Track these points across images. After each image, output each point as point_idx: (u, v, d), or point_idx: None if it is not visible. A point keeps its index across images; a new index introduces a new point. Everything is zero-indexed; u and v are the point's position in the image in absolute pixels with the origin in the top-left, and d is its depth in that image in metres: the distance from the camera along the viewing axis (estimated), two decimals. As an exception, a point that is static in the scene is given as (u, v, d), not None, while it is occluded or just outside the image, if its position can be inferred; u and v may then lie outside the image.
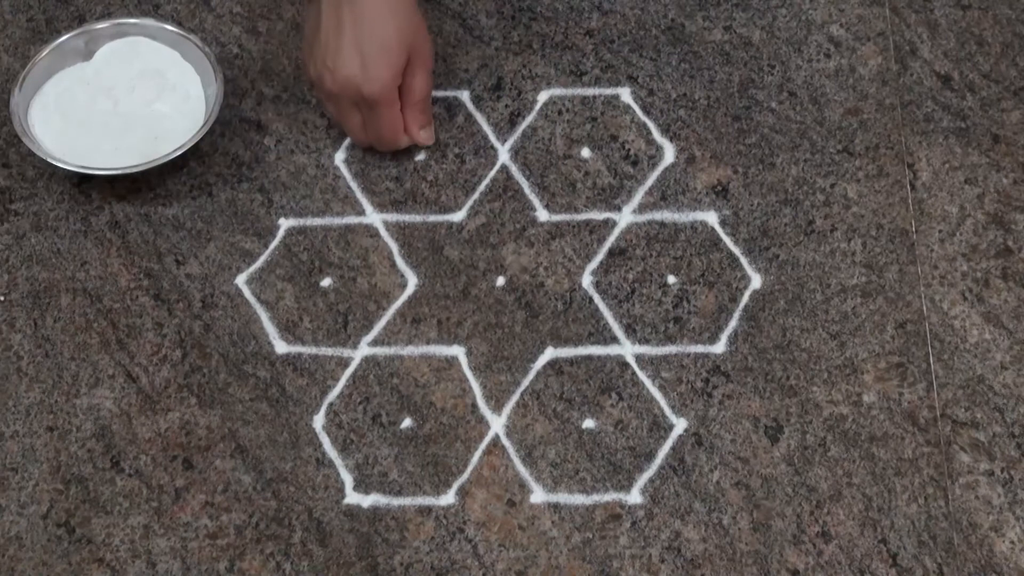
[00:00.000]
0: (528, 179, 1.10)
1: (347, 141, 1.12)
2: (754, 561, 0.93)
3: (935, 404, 0.99)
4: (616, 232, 1.07)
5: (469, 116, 1.14)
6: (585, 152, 1.11)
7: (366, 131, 1.09)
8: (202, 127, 1.09)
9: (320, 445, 0.98)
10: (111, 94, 1.11)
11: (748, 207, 1.08)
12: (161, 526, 0.95)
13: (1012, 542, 0.94)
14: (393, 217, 1.09)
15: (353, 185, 1.10)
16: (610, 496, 0.96)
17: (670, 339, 1.02)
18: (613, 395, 1.00)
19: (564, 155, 1.11)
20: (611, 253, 1.06)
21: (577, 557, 0.94)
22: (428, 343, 1.03)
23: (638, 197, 1.09)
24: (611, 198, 1.09)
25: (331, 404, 1.00)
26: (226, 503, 0.96)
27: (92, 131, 1.10)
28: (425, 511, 0.96)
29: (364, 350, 1.02)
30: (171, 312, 1.04)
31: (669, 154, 1.11)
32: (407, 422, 0.99)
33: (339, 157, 1.12)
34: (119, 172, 1.08)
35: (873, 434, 0.98)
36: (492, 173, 1.11)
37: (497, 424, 0.99)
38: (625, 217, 1.08)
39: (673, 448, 0.98)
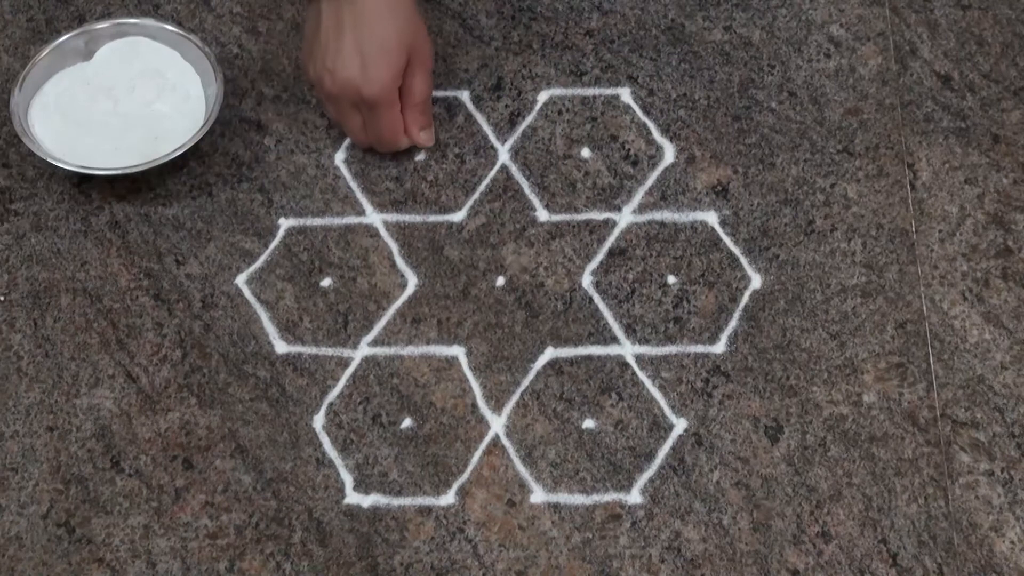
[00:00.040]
0: (528, 179, 1.10)
1: (347, 141, 1.12)
2: (754, 561, 0.93)
3: (935, 404, 0.99)
4: (616, 232, 1.07)
5: (469, 116, 1.14)
6: (585, 152, 1.11)
7: (366, 132, 1.09)
8: (202, 127, 1.09)
9: (320, 445, 0.98)
10: (111, 94, 1.11)
11: (748, 207, 1.08)
12: (161, 526, 0.95)
13: (1012, 542, 0.94)
14: (393, 217, 1.09)
15: (353, 185, 1.10)
16: (610, 496, 0.96)
17: (670, 339, 1.02)
18: (613, 395, 1.00)
19: (564, 155, 1.11)
20: (611, 253, 1.06)
21: (577, 557, 0.94)
22: (428, 343, 1.03)
23: (638, 197, 1.09)
24: (611, 198, 1.09)
25: (331, 404, 1.00)
26: (226, 503, 0.96)
27: (92, 131, 1.10)
28: (425, 511, 0.96)
29: (364, 350, 1.02)
30: (171, 312, 1.04)
31: (669, 154, 1.11)
32: (407, 422, 0.99)
33: (339, 157, 1.12)
34: (119, 172, 1.08)
35: (873, 434, 0.98)
36: (492, 173, 1.11)
37: (497, 424, 0.99)
38: (625, 217, 1.08)
39: (673, 448, 0.98)
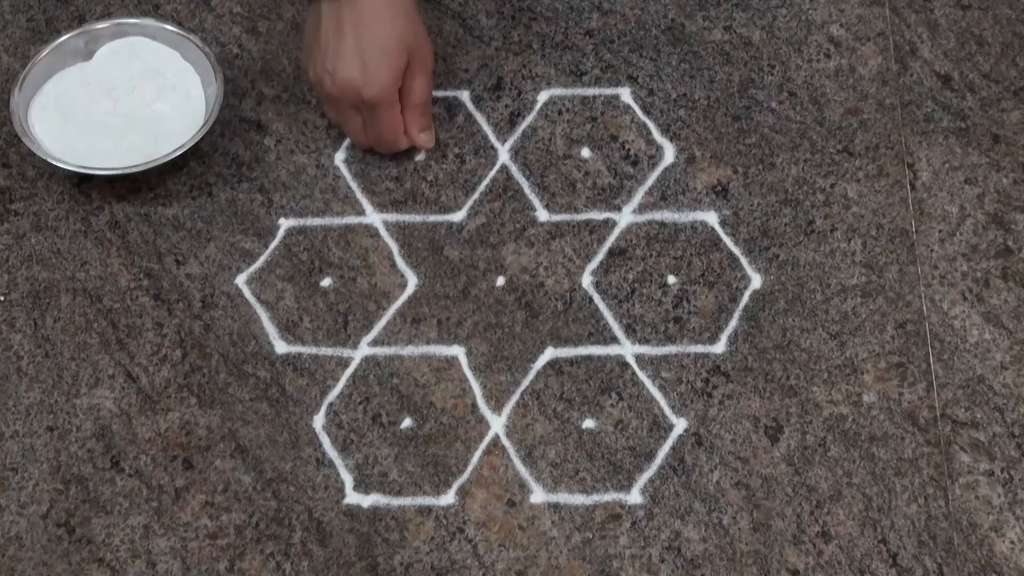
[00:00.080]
0: (528, 179, 1.10)
1: (347, 141, 1.12)
2: (754, 561, 0.93)
3: (935, 404, 0.99)
4: (616, 232, 1.07)
5: (469, 116, 1.14)
6: (585, 152, 1.11)
7: (366, 133, 1.09)
8: (202, 127, 1.09)
9: (320, 445, 0.98)
10: (111, 94, 1.11)
11: (748, 207, 1.08)
12: (161, 526, 0.95)
13: (1012, 542, 0.94)
14: (393, 217, 1.09)
15: (353, 185, 1.10)
16: (610, 496, 0.96)
17: (670, 339, 1.02)
18: (613, 395, 1.00)
19: (564, 155, 1.11)
20: (611, 253, 1.06)
21: (577, 557, 0.94)
22: (428, 343, 1.03)
23: (638, 197, 1.09)
24: (611, 198, 1.09)
25: (331, 404, 1.00)
26: (226, 503, 0.96)
27: (92, 131, 1.10)
28: (425, 511, 0.96)
29: (364, 350, 1.02)
30: (171, 312, 1.04)
31: (669, 154, 1.11)
32: (407, 422, 0.99)
33: (339, 157, 1.12)
34: (119, 172, 1.08)
35: (873, 434, 0.98)
36: (492, 173, 1.11)
37: (497, 424, 0.99)
38: (625, 217, 1.08)
39: (673, 448, 0.98)
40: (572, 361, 1.02)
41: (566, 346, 1.02)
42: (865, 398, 0.99)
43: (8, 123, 1.10)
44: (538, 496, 0.96)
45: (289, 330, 1.03)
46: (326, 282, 1.06)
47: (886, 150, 1.11)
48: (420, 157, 1.12)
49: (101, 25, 1.14)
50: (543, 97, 1.15)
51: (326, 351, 1.02)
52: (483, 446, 0.98)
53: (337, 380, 1.01)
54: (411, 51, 1.05)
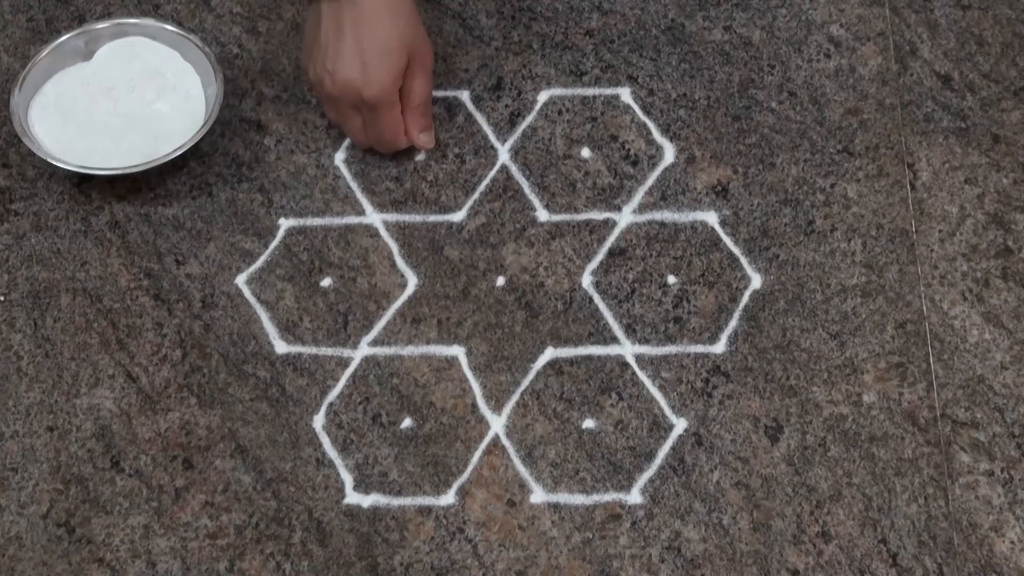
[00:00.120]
0: (528, 179, 1.10)
1: (347, 141, 1.12)
2: (754, 561, 0.93)
3: (935, 404, 0.99)
4: (616, 232, 1.07)
5: (469, 116, 1.14)
6: (585, 152, 1.11)
7: (366, 133, 1.09)
8: (202, 127, 1.09)
9: (320, 445, 0.98)
10: (111, 94, 1.11)
11: (748, 207, 1.08)
12: (161, 526, 0.95)
13: (1012, 542, 0.94)
14: (393, 217, 1.09)
15: (353, 185, 1.10)
16: (610, 496, 0.96)
17: (670, 339, 1.02)
18: (613, 395, 1.00)
19: (564, 155, 1.11)
20: (611, 253, 1.06)
21: (577, 557, 0.94)
22: (428, 343, 1.03)
23: (638, 197, 1.09)
24: (611, 198, 1.09)
25: (331, 404, 1.00)
26: (226, 503, 0.96)
27: (92, 131, 1.10)
28: (425, 511, 0.96)
29: (364, 350, 1.02)
30: (171, 312, 1.04)
31: (669, 154, 1.11)
32: (407, 422, 0.99)
33: (339, 157, 1.12)
34: (119, 172, 1.08)
35: (873, 434, 0.98)
36: (492, 173, 1.11)
37: (497, 424, 0.99)
38: (625, 217, 1.08)
39: (673, 448, 0.98)
40: (572, 361, 1.02)
41: (566, 346, 1.02)
42: (865, 398, 0.99)
43: (8, 123, 1.10)
44: (538, 496, 0.96)
45: (289, 330, 1.03)
46: (326, 282, 1.06)
47: (886, 150, 1.11)
48: (420, 157, 1.12)
49: (101, 25, 1.14)
50: (543, 97, 1.15)
51: (326, 351, 1.02)
52: (483, 446, 0.98)
53: (337, 380, 1.01)
54: (411, 51, 1.05)
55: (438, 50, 1.15)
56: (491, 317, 1.04)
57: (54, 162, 1.07)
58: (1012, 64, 1.15)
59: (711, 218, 1.08)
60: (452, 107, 1.14)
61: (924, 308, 1.03)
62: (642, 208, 1.08)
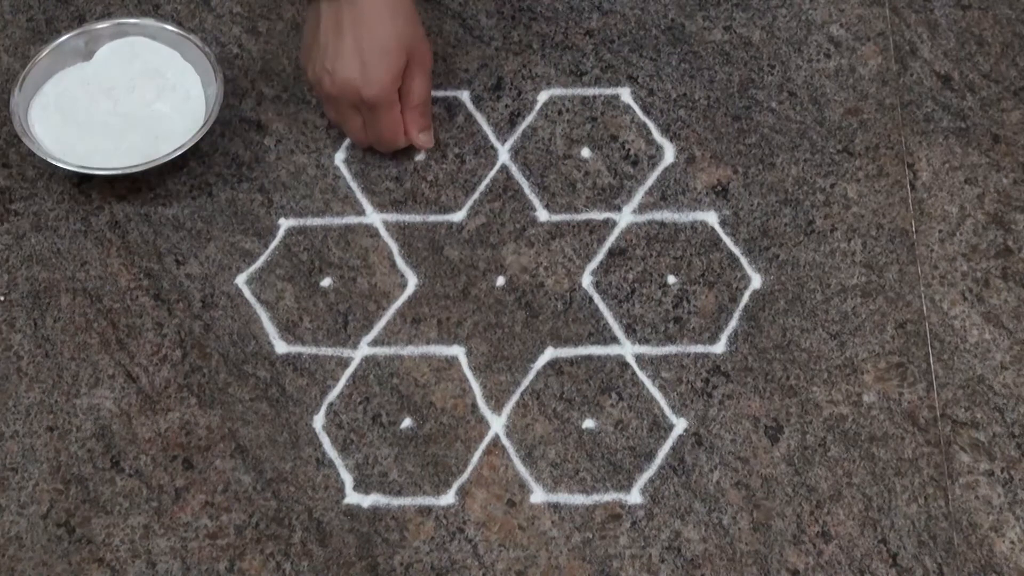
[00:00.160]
0: (528, 179, 1.10)
1: (347, 141, 1.12)
2: (754, 561, 0.93)
3: (935, 404, 0.99)
4: (616, 232, 1.07)
5: (469, 116, 1.14)
6: (585, 152, 1.11)
7: (366, 133, 1.09)
8: (202, 127, 1.09)
9: (320, 445, 0.98)
10: (111, 94, 1.11)
11: (748, 207, 1.08)
12: (161, 526, 0.95)
13: (1012, 542, 0.94)
14: (393, 217, 1.09)
15: (353, 185, 1.10)
16: (610, 496, 0.96)
17: (670, 339, 1.02)
18: (613, 395, 1.00)
19: (564, 155, 1.11)
20: (611, 253, 1.06)
21: (577, 557, 0.94)
22: (428, 343, 1.03)
23: (638, 197, 1.09)
24: (611, 198, 1.09)
25: (331, 404, 1.00)
26: (226, 503, 0.96)
27: (92, 131, 1.10)
28: (425, 511, 0.96)
29: (364, 350, 1.02)
30: (171, 312, 1.04)
31: (669, 154, 1.11)
32: (407, 422, 0.99)
33: (339, 157, 1.12)
34: (119, 172, 1.08)
35: (873, 434, 0.98)
36: (492, 173, 1.11)
37: (497, 424, 0.99)
38: (625, 217, 1.08)
39: (673, 448, 0.98)
40: (572, 361, 1.02)
41: (566, 346, 1.02)
42: (865, 398, 0.99)
43: (8, 123, 1.10)
44: (538, 496, 0.96)
45: (289, 330, 1.03)
46: (326, 282, 1.06)
47: (886, 150, 1.11)
48: (420, 157, 1.12)
49: (101, 25, 1.14)
50: (543, 97, 1.15)
51: (326, 351, 1.02)
52: (483, 446, 0.98)
53: (337, 380, 1.01)
54: (410, 51, 1.05)
55: (438, 50, 1.15)
56: (491, 317, 1.04)
57: (54, 162, 1.07)
58: (1012, 64, 1.15)
59: (711, 218, 1.08)
60: (452, 107, 1.14)
61: (924, 308, 1.03)
62: (642, 208, 1.08)
